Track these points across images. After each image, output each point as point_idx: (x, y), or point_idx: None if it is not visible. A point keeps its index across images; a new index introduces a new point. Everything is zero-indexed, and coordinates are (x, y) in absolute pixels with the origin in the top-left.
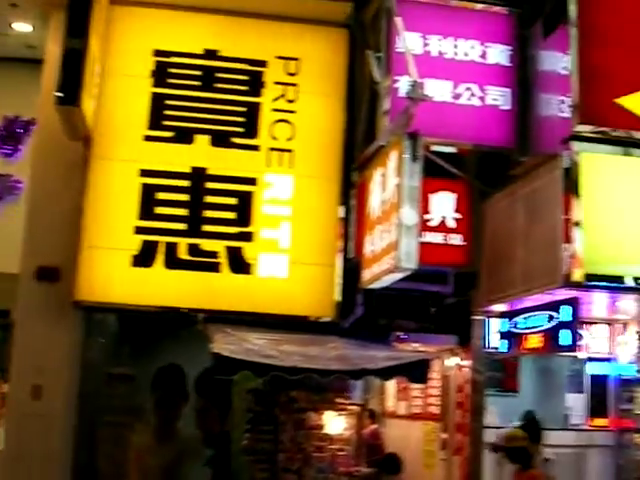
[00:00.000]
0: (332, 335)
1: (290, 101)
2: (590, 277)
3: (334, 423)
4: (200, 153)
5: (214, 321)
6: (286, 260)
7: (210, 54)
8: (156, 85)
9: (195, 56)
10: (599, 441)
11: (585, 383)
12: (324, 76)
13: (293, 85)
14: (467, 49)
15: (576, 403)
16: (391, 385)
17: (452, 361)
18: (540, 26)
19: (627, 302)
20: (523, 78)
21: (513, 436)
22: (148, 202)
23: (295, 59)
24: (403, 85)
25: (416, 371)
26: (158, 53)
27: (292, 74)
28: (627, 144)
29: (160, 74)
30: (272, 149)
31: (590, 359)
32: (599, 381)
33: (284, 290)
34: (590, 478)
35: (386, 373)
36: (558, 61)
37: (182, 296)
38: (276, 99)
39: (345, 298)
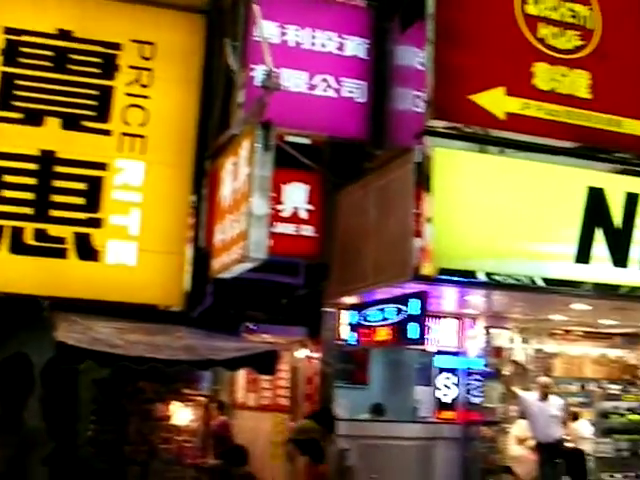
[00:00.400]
0: (180, 325)
1: (144, 86)
2: (443, 271)
3: (181, 414)
4: (50, 136)
5: (61, 309)
6: (135, 248)
7: (63, 35)
8: (6, 64)
9: (48, 36)
10: (446, 433)
11: (433, 376)
12: (180, 62)
13: (148, 70)
14: (324, 40)
15: (424, 396)
16: (241, 376)
17: (302, 353)
18: (398, 20)
19: (476, 297)
20: (380, 71)
21: (304, 428)
22: None
23: (151, 43)
24: (259, 74)
25: (264, 362)
26: (9, 31)
27: (147, 59)
28: (483, 141)
29: (11, 53)
30: (124, 134)
31: (439, 352)
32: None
33: (132, 278)
34: (437, 470)
35: (233, 364)
36: (414, 56)
37: (28, 282)
38: (130, 83)
39: (195, 287)
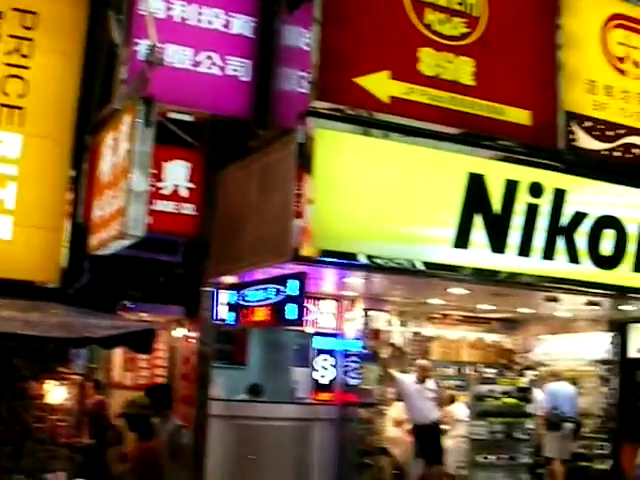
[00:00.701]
0: (56, 302)
1: (24, 56)
2: (323, 253)
3: (56, 393)
4: None
5: None
6: (11, 222)
7: None
8: None
9: None
10: (323, 415)
11: (311, 357)
12: (63, 33)
13: (29, 40)
14: (211, 17)
15: (302, 377)
16: (117, 355)
17: (179, 332)
18: (286, 0)
19: (355, 279)
20: (266, 51)
21: (135, 402)
22: None
23: (33, 13)
24: (143, 49)
25: (141, 341)
26: None
27: (28, 28)
28: (367, 124)
29: None
30: (2, 105)
31: (317, 334)
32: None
33: (7, 253)
34: (314, 451)
35: (109, 342)
36: (301, 36)
37: None
38: (9, 53)
39: (72, 264)
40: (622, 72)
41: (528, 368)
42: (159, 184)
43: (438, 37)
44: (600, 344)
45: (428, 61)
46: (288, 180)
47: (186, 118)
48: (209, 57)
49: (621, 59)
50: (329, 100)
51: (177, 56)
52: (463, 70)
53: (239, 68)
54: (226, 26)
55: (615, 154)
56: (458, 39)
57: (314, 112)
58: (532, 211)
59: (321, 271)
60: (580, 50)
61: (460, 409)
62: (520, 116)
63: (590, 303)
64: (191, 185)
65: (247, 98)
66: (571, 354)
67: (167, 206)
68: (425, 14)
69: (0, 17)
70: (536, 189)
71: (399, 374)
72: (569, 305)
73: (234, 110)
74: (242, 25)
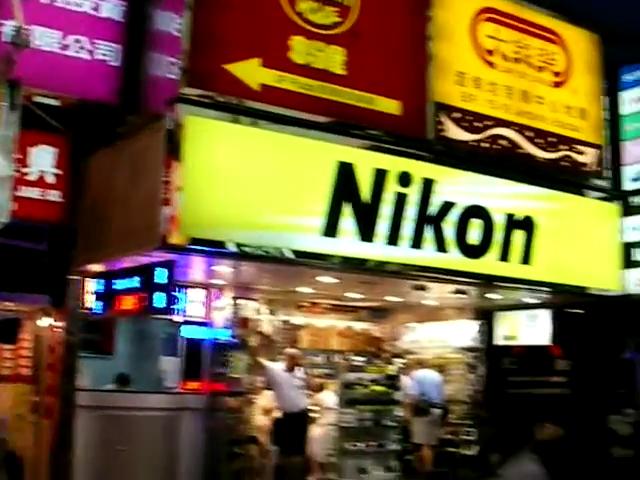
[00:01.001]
0: None
1: None
2: (192, 241)
3: None
4: None
5: None
6: None
7: None
8: None
9: None
10: (192, 404)
11: (180, 346)
12: None
13: None
14: (79, 0)
15: (171, 366)
16: None
17: (45, 321)
18: None
19: (223, 267)
20: (137, 35)
21: None
22: None
23: None
24: (8, 30)
25: (5, 331)
26: None
27: None
28: (236, 111)
29: None
30: None
31: (186, 322)
32: (194, 345)
33: None
34: (184, 440)
35: None
36: (172, 22)
37: None
38: None
39: None
40: (491, 64)
41: (396, 356)
42: (24, 170)
43: (310, 25)
44: (467, 332)
45: (299, 49)
46: (157, 167)
47: (53, 102)
48: (77, 40)
49: (490, 52)
50: (199, 87)
51: (44, 39)
52: (334, 59)
53: (108, 52)
54: (95, 9)
55: (483, 145)
56: (330, 28)
57: (184, 99)
58: (401, 200)
59: (190, 259)
60: (450, 42)
61: (329, 397)
62: (390, 106)
63: (457, 291)
64: (58, 171)
65: (116, 83)
66: (439, 342)
67: (32, 192)
68: (297, 2)
69: None
70: (405, 179)
71: (268, 362)
72: (437, 293)
73: (102, 95)
74: (112, 9)
